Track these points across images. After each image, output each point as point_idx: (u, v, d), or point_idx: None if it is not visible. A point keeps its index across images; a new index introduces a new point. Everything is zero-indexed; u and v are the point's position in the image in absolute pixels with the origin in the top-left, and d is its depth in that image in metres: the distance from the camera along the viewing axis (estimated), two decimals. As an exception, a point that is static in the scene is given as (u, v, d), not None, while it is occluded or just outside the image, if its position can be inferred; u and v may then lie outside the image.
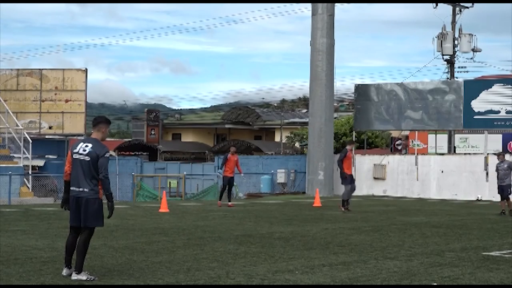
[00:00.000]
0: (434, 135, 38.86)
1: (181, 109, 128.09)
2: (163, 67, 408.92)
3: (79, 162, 8.64)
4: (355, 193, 33.50)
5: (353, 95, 37.61)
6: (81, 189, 8.61)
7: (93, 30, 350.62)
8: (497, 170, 21.21)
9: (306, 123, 44.27)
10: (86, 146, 8.70)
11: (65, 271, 8.77)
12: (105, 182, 8.65)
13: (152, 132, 56.41)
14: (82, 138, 38.64)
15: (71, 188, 8.70)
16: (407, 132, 43.53)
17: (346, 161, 21.49)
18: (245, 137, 61.52)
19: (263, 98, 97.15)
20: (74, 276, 8.51)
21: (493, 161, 31.12)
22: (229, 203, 23.23)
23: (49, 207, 22.35)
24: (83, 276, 8.50)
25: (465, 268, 9.95)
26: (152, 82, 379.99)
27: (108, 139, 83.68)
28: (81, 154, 8.65)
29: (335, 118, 41.02)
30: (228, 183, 23.49)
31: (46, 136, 38.29)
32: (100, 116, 9.15)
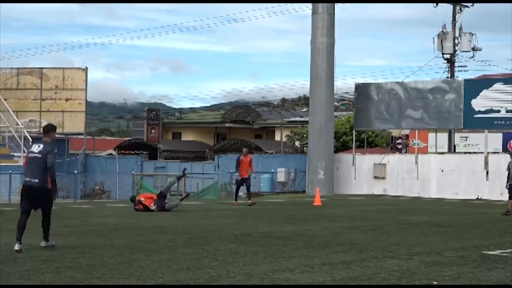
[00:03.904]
0: (434, 134, 38.88)
1: (181, 108, 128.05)
2: (162, 66, 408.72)
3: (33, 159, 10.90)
4: (355, 192, 33.69)
5: (353, 94, 37.64)
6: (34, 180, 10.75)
7: (92, 29, 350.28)
8: (508, 168, 20.90)
9: (306, 122, 44.27)
10: (39, 146, 11.00)
11: (17, 246, 10.67)
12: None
13: (152, 131, 56.34)
14: (82, 137, 38.65)
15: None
16: (407, 131, 43.54)
17: None
18: (245, 136, 61.48)
19: (263, 97, 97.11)
20: (43, 243, 10.98)
21: (493, 160, 31.22)
22: (249, 201, 23.50)
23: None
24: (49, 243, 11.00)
25: (465, 267, 9.95)
26: (151, 81, 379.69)
27: (108, 138, 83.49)
28: (34, 152, 10.92)
29: (335, 117, 41.02)
30: (244, 183, 23.62)
31: (46, 135, 38.24)
32: (48, 124, 11.60)
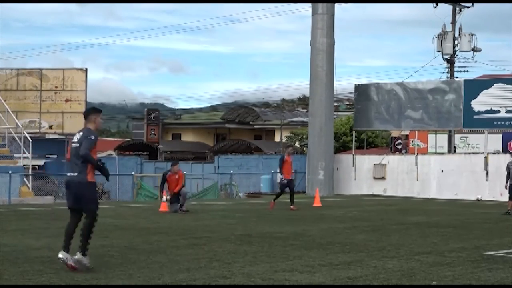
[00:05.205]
0: (434, 134, 38.86)
1: (180, 108, 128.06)
2: (162, 67, 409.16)
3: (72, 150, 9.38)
4: (355, 193, 33.67)
5: (352, 94, 37.65)
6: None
7: (92, 30, 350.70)
8: (507, 169, 20.89)
9: (306, 123, 44.26)
10: (79, 134, 9.42)
11: (60, 254, 9.14)
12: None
13: (152, 132, 56.45)
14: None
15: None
16: (407, 132, 43.55)
17: None
18: (245, 137, 61.50)
19: (263, 98, 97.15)
20: (76, 256, 9.06)
21: (493, 161, 31.20)
22: (291, 206, 21.22)
23: (49, 207, 22.35)
24: (84, 260, 9.06)
25: (465, 268, 9.94)
26: (151, 81, 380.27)
27: (108, 138, 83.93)
28: (74, 142, 9.36)
29: (335, 117, 41.02)
30: (288, 186, 21.67)
31: (46, 136, 38.28)
32: (87, 108, 9.81)
